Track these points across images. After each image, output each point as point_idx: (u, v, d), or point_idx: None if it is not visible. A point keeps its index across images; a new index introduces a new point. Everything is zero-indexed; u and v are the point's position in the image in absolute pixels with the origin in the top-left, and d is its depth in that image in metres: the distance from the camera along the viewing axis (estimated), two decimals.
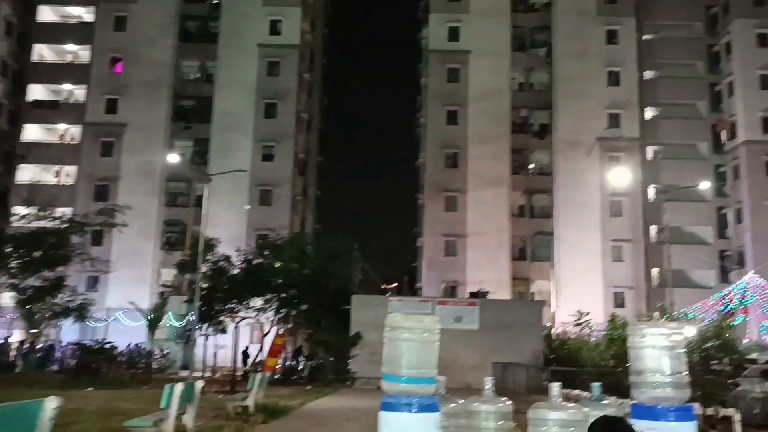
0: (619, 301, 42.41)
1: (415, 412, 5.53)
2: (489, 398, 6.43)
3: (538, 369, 19.95)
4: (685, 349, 6.05)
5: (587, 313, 21.59)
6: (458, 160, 46.15)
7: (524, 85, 48.98)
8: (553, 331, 33.01)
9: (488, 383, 6.48)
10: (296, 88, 47.48)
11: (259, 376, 15.17)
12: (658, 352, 5.68)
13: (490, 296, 32.47)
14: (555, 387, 5.93)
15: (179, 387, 8.92)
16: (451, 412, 6.28)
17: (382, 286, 38.96)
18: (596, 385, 6.41)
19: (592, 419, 6.13)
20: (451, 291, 43.27)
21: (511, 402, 6.65)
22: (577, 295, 39.14)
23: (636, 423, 5.24)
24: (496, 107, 46.36)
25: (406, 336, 5.71)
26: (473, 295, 32.66)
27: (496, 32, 47.42)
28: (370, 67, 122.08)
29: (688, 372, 5.75)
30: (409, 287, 43.56)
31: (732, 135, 45.51)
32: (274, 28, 47.72)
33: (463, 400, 6.69)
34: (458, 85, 47.01)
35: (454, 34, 47.84)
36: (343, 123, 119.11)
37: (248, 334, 36.49)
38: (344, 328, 27.63)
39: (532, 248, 46.62)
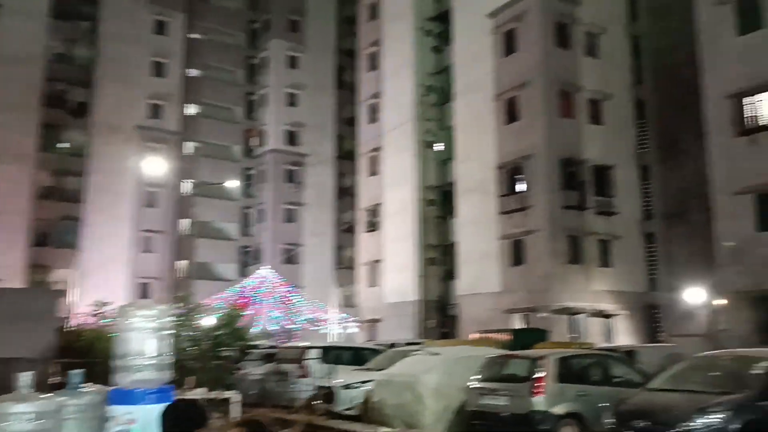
0: (144, 292, 42.35)
1: None
2: None
3: (46, 363, 18.35)
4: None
5: (107, 303, 20.73)
6: None
7: (65, 57, 45.06)
8: (72, 322, 31.01)
9: None
10: None
11: None
12: (144, 335, 5.67)
13: (1, 285, 28.71)
14: (24, 377, 5.43)
15: None
16: None
17: None
18: (74, 373, 6.12)
19: (70, 408, 5.85)
20: None
21: None
22: (103, 285, 37.51)
23: (113, 409, 5.12)
24: (27, 74, 41.33)
25: None
26: None
27: None
28: None
29: (170, 353, 5.87)
30: None
31: (261, 142, 50.13)
32: None
33: None
34: None
35: None
36: None
37: None
38: None
39: (57, 234, 43.07)
